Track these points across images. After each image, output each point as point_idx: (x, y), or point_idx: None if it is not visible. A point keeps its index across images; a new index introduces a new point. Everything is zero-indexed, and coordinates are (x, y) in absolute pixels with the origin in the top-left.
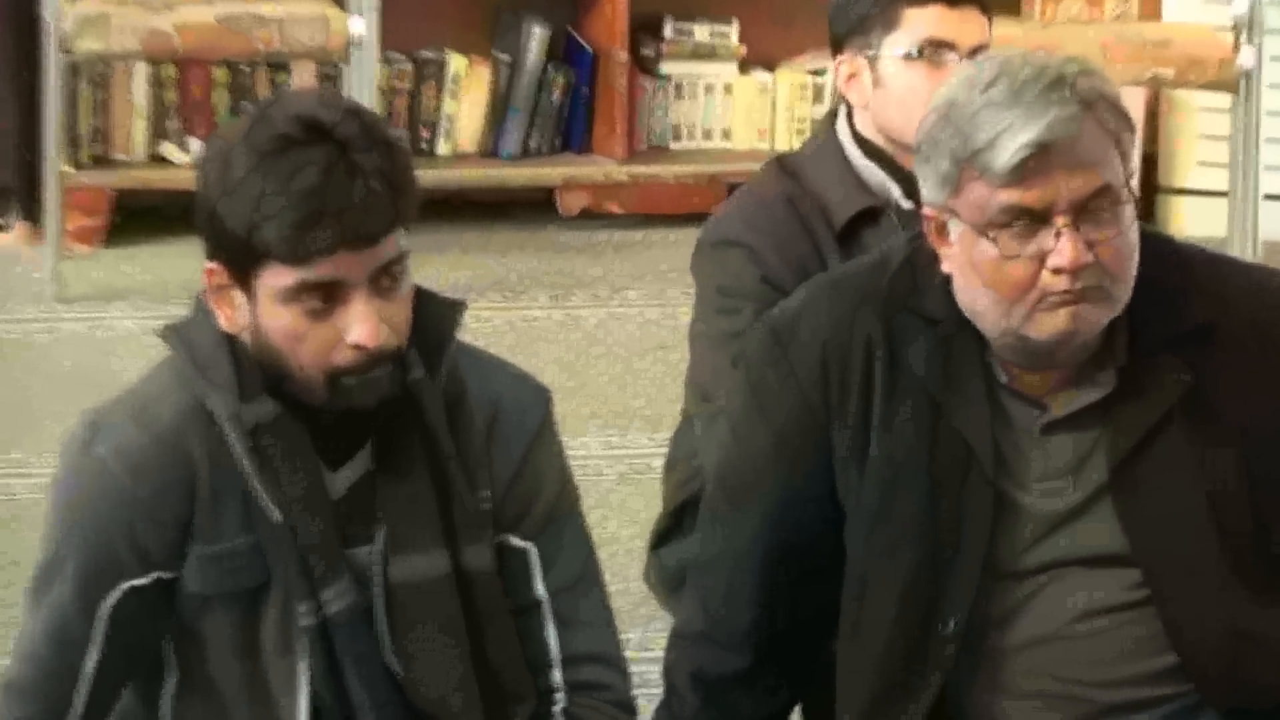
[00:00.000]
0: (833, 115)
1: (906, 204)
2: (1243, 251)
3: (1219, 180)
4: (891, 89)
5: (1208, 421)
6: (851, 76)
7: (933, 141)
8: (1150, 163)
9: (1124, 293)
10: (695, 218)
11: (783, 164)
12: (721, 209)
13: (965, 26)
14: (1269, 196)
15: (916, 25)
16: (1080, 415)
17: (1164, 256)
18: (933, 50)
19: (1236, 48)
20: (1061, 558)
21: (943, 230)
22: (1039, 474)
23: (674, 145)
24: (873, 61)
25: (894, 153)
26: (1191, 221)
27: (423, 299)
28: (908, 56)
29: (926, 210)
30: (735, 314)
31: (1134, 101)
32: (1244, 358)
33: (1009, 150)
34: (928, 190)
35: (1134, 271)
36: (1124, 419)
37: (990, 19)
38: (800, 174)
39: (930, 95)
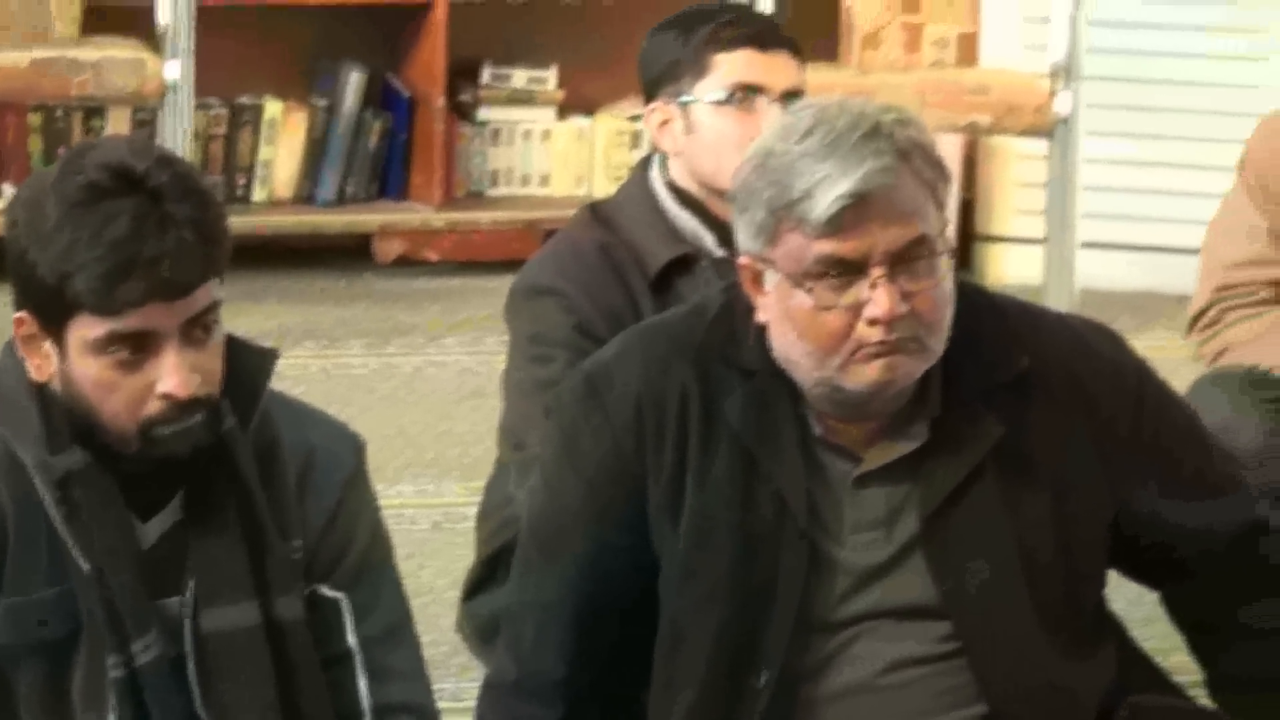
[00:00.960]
0: (645, 162)
1: (720, 252)
2: (1060, 299)
3: (1036, 228)
4: (703, 135)
5: (1021, 473)
6: (664, 123)
7: (749, 191)
8: (968, 210)
9: (939, 344)
10: (513, 264)
11: (596, 211)
12: (535, 257)
13: (776, 70)
14: (1086, 244)
15: (726, 70)
16: (893, 467)
17: (979, 307)
18: (743, 95)
19: (1053, 94)
20: (874, 610)
21: (759, 280)
22: (852, 526)
23: (492, 191)
24: (684, 108)
25: (707, 200)
26: (1009, 269)
27: (235, 348)
28: (718, 102)
29: (742, 259)
30: (548, 362)
31: (951, 148)
32: (1057, 408)
33: (825, 201)
34: (744, 239)
35: (949, 322)
36: (936, 471)
37: (802, 62)
38: (613, 222)
39: (742, 140)
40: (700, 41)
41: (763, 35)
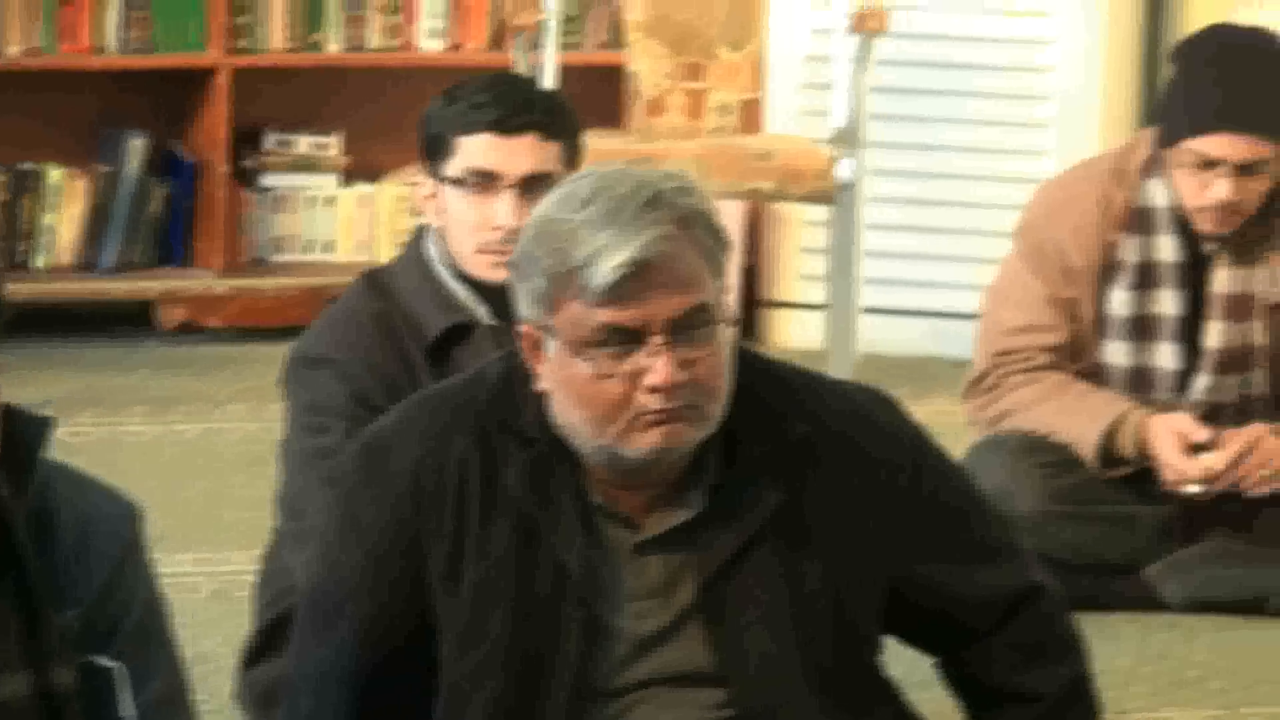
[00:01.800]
0: (421, 231)
1: (492, 321)
2: (841, 365)
3: (819, 293)
4: (450, 213)
5: (799, 540)
6: (429, 196)
7: (529, 259)
8: (751, 276)
9: (718, 411)
10: (296, 331)
11: (371, 280)
12: (311, 326)
13: (516, 155)
14: (867, 309)
15: (465, 153)
16: (672, 535)
17: (758, 374)
18: (478, 180)
19: (835, 161)
20: (652, 677)
21: (538, 348)
22: (631, 594)
23: (275, 258)
24: (439, 185)
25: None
26: (792, 334)
27: (10, 416)
28: (457, 184)
29: (522, 327)
30: (324, 432)
31: (734, 214)
32: (836, 475)
33: (605, 270)
34: (524, 307)
35: (728, 390)
36: (714, 539)
37: (566, 142)
38: (389, 290)
39: (477, 225)
40: (449, 121)
41: (506, 119)
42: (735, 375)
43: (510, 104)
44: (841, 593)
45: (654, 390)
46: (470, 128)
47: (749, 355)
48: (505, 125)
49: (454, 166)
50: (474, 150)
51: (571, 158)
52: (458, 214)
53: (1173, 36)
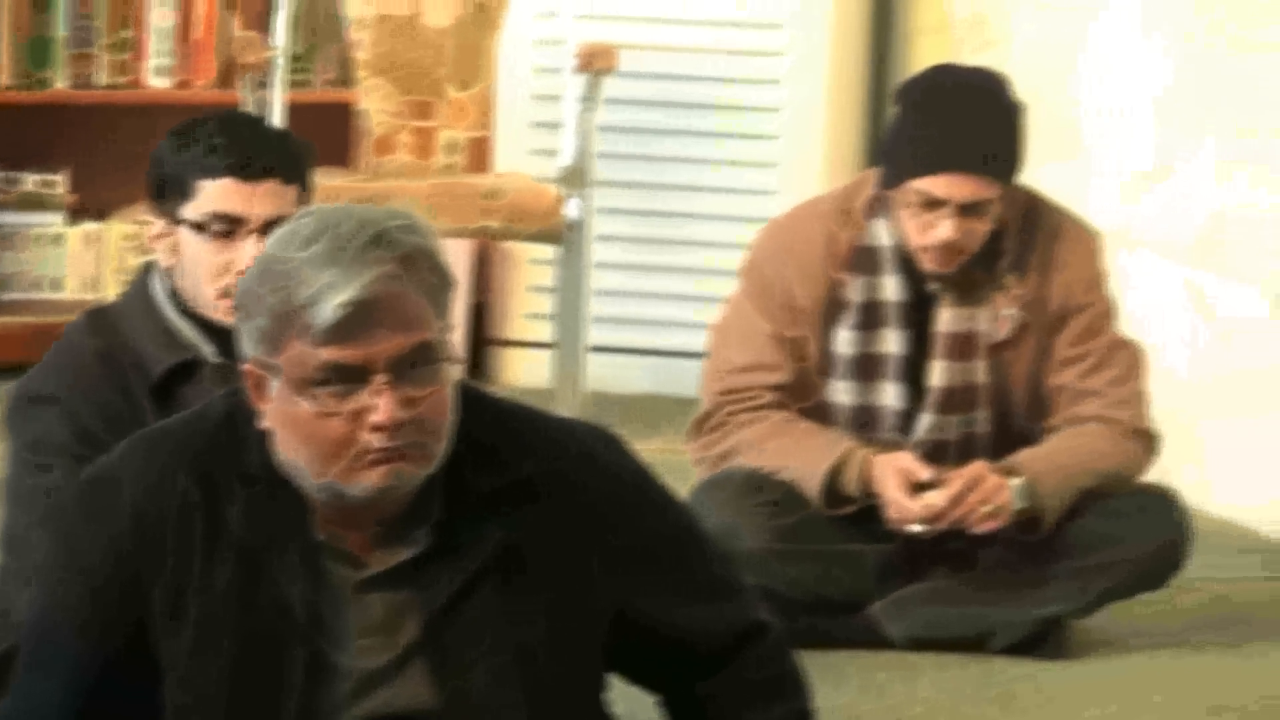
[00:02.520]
0: (147, 268)
1: (218, 359)
2: (569, 403)
3: (547, 332)
4: (185, 256)
5: (522, 578)
6: (159, 236)
7: (253, 297)
8: (479, 314)
9: (442, 449)
10: (25, 369)
11: (94, 317)
12: (35, 365)
13: (258, 200)
14: (595, 348)
15: (206, 198)
16: (396, 573)
17: (484, 411)
18: (221, 225)
19: (563, 199)
20: (376, 715)
21: (262, 386)
22: (355, 632)
23: (2, 296)
24: (173, 226)
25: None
26: (520, 373)
27: None
28: (197, 229)
29: (246, 366)
30: (47, 470)
31: (462, 253)
32: (559, 513)
33: (328, 309)
34: (248, 346)
35: (451, 428)
36: (437, 576)
37: (301, 185)
38: (114, 328)
39: (217, 270)
40: (186, 163)
41: (247, 164)
42: (460, 413)
43: (251, 148)
44: (565, 631)
45: (377, 429)
46: (210, 172)
47: (474, 393)
48: (248, 171)
49: (193, 210)
50: (215, 195)
51: (305, 199)
52: (197, 257)
53: (897, 78)
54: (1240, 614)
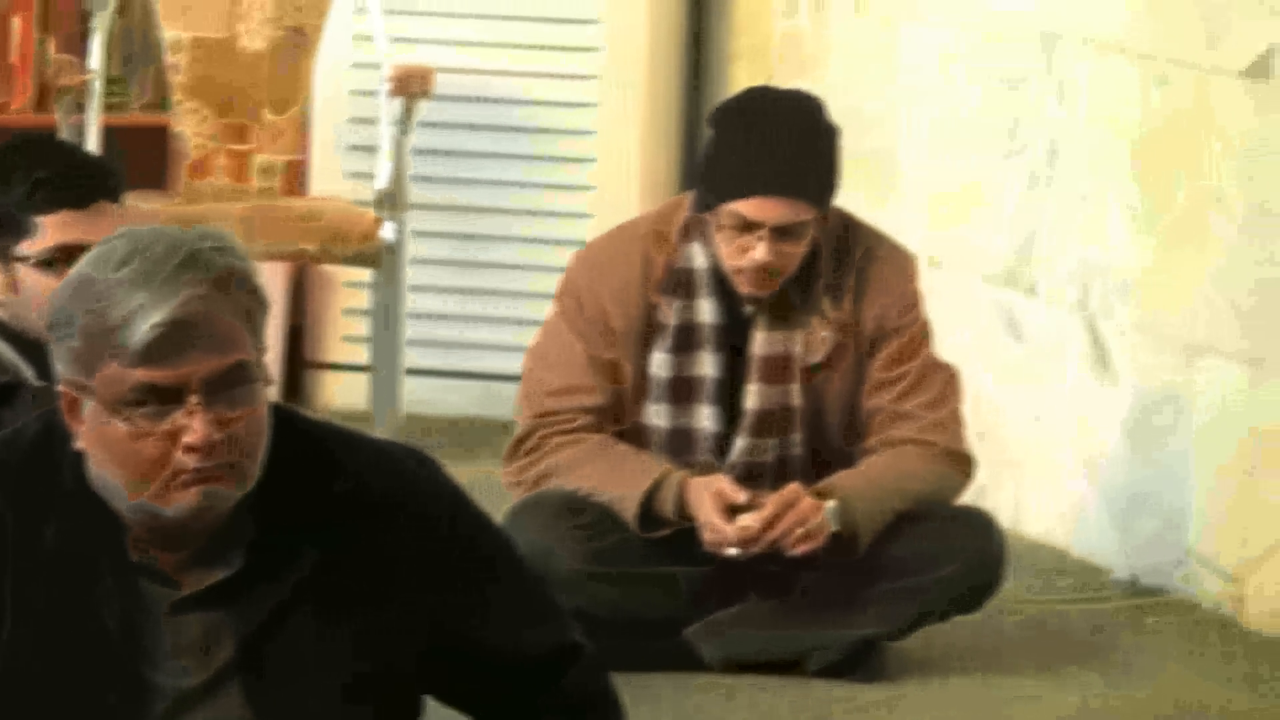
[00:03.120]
0: None
1: (39, 383)
2: (385, 426)
3: (364, 354)
4: (25, 289)
5: (337, 598)
6: None
7: (66, 319)
8: (296, 336)
9: (256, 470)
10: None
11: None
12: None
13: (95, 225)
14: (412, 371)
15: (47, 233)
16: (210, 593)
17: (299, 433)
18: (62, 256)
19: (379, 222)
20: None
21: (76, 407)
22: (170, 652)
23: None
24: (8, 263)
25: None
26: (337, 395)
27: None
28: (43, 264)
29: (60, 386)
30: None
31: (278, 275)
32: (374, 534)
33: (141, 330)
34: (62, 367)
35: (266, 449)
36: (252, 597)
37: (120, 202)
38: None
39: None
40: (19, 201)
41: (79, 192)
42: (274, 435)
43: (76, 174)
44: (380, 651)
45: (190, 450)
46: (48, 206)
47: (289, 415)
48: (81, 198)
49: (34, 246)
50: (56, 228)
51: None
52: (38, 288)
53: (713, 101)
54: (1054, 635)
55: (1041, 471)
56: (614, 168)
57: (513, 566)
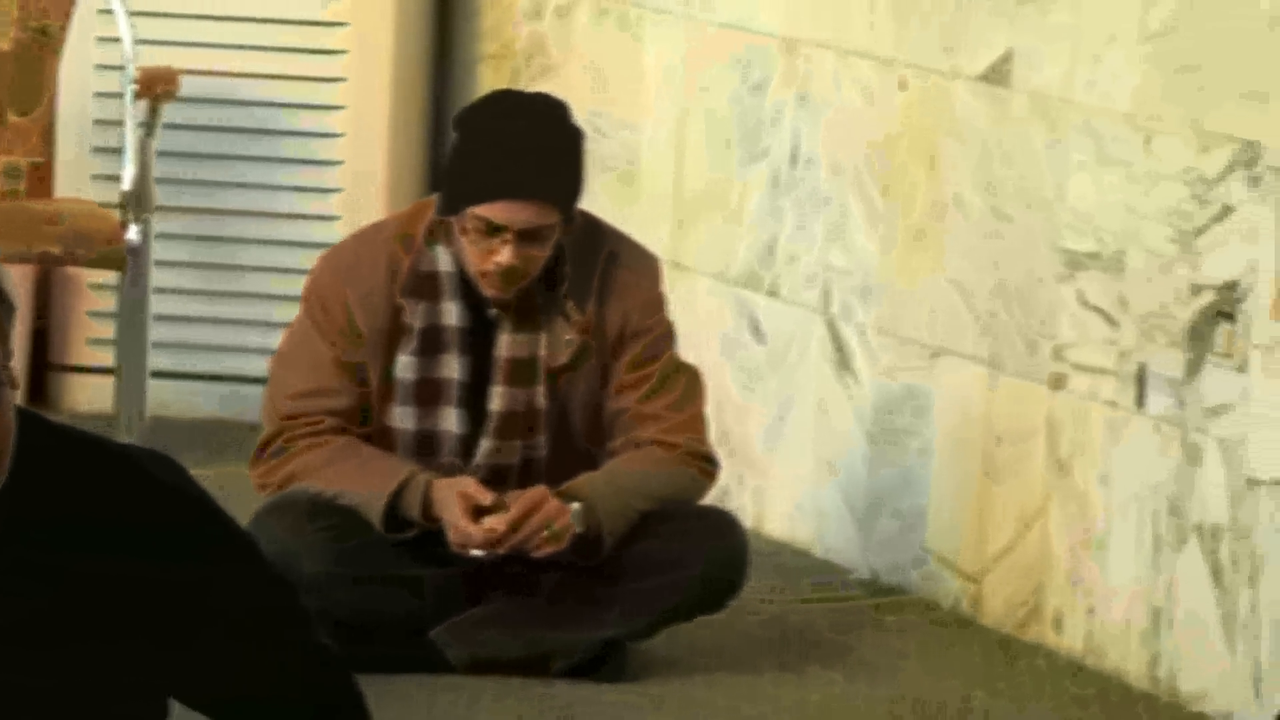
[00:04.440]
0: None
1: None
2: (131, 429)
3: (109, 357)
4: None
5: (80, 603)
6: None
7: None
8: (41, 339)
9: (2, 473)
10: None
11: None
12: None
13: None
14: (158, 374)
15: None
16: None
17: (41, 437)
18: None
19: (124, 225)
20: None
21: None
22: None
23: None
24: None
25: None
26: (82, 398)
27: None
28: None
29: None
30: None
31: (23, 278)
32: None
33: None
34: None
35: (10, 452)
36: None
37: None
38: None
39: None
40: None
41: None
42: (20, 438)
43: None
44: (129, 656)
45: None
46: None
47: (32, 418)
48: None
49: None
50: None
51: None
52: None
53: (459, 104)
54: (796, 634)
55: (784, 472)
56: (361, 170)
57: (257, 570)
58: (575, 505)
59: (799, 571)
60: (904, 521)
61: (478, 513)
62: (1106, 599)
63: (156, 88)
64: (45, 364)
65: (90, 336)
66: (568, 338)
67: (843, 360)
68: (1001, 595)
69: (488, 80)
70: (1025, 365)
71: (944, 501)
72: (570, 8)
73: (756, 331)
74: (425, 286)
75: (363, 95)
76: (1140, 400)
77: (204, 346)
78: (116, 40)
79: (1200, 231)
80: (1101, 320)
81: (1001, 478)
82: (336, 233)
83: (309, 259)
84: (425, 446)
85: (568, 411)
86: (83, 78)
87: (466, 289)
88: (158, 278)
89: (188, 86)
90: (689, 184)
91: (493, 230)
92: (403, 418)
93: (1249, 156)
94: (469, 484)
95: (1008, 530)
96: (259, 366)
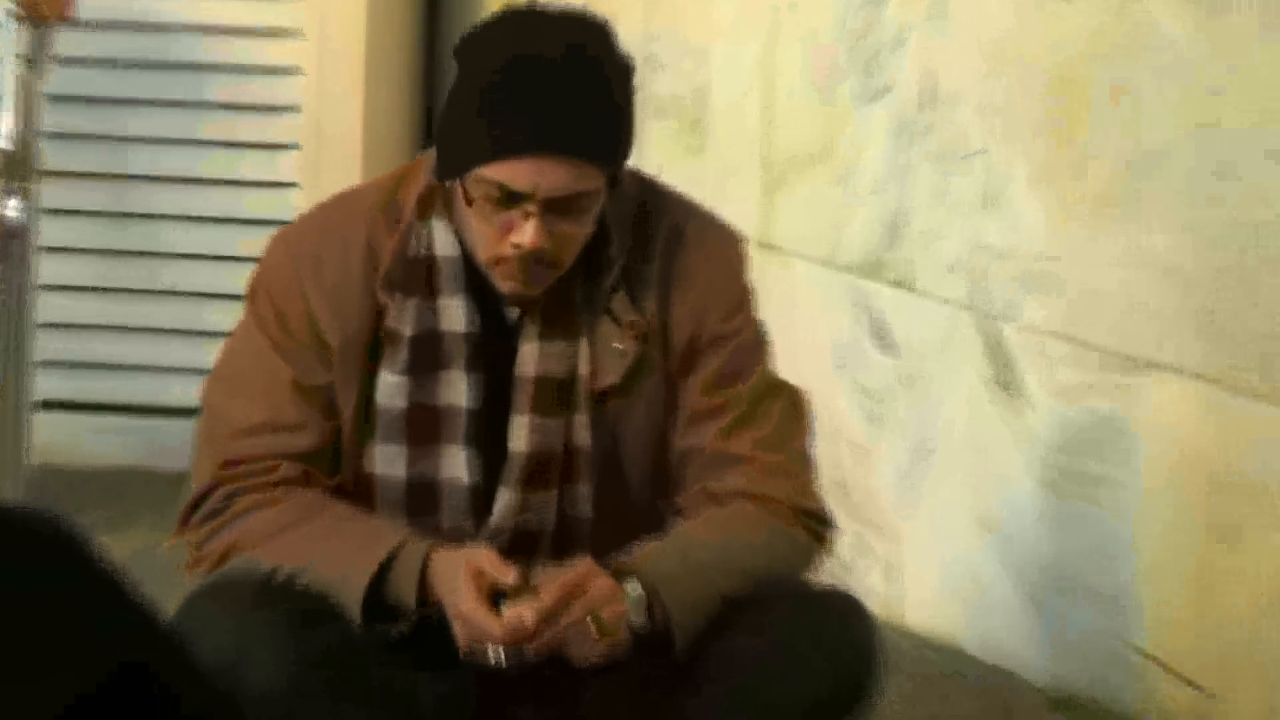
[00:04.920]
0: None
1: None
2: (8, 478)
3: None
4: None
5: None
6: None
7: None
8: None
9: None
10: None
11: None
12: None
13: None
14: (44, 403)
15: None
16: None
17: None
18: None
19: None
20: None
21: None
22: None
23: None
24: None
25: None
26: None
27: None
28: None
29: None
30: None
31: None
32: None
33: None
34: None
35: None
36: None
37: None
38: None
39: None
40: None
41: None
42: None
43: None
44: None
45: None
46: None
47: None
48: None
49: None
50: None
51: None
52: None
53: (461, 27)
54: None
55: (924, 536)
56: (328, 119)
57: (184, 681)
58: (633, 586)
59: (948, 679)
60: (1098, 605)
61: (496, 597)
62: None
63: (43, 8)
64: None
65: None
66: (618, 347)
67: (1004, 377)
68: (1244, 710)
69: None
70: (1265, 382)
71: (1155, 575)
72: None
73: (881, 338)
74: (417, 278)
75: (328, 17)
76: None
77: (106, 366)
78: None
79: None
80: None
81: (1236, 540)
82: (293, 206)
83: (255, 242)
84: (421, 502)
85: (620, 451)
86: None
87: (475, 281)
88: (44, 270)
89: (88, 6)
90: (780, 133)
91: (511, 199)
92: (389, 461)
93: None
94: (483, 556)
95: (1248, 615)
96: (186, 393)
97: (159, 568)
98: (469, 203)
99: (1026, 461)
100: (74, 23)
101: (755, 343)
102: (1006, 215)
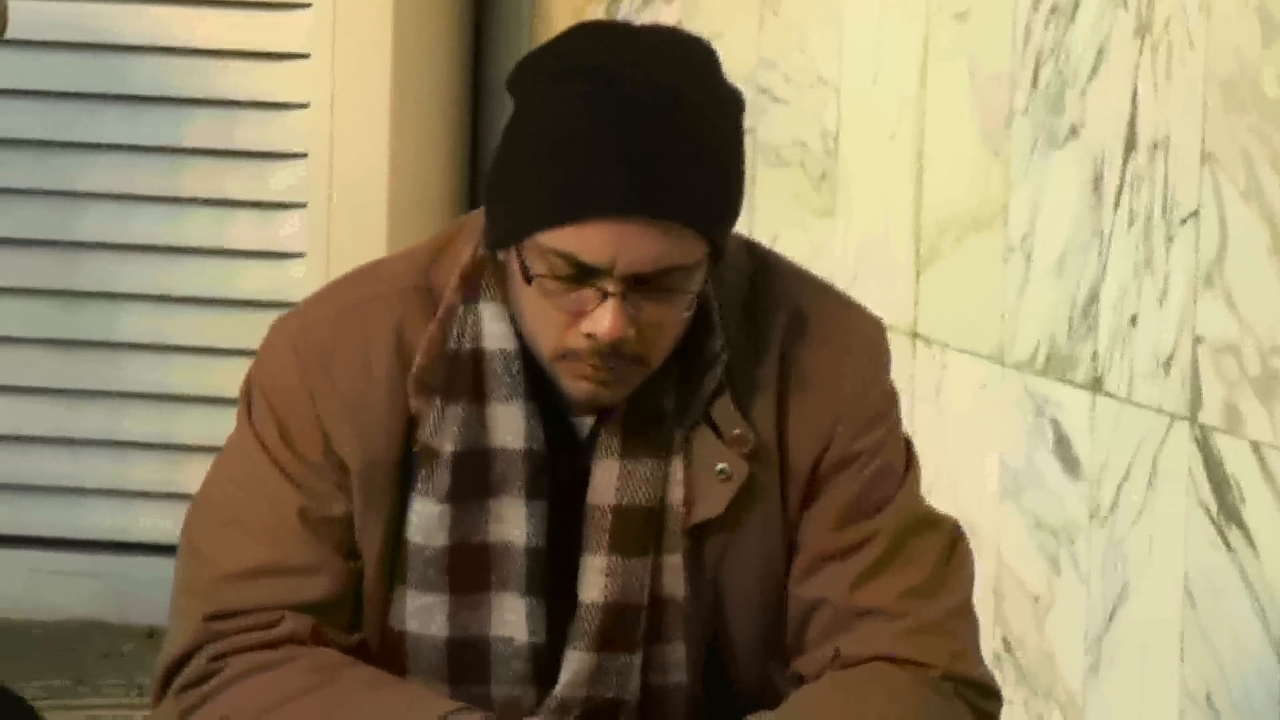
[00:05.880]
0: None
1: None
2: None
3: None
4: None
5: None
6: None
7: None
8: None
9: None
10: None
11: None
12: None
13: None
14: None
15: None
16: None
17: None
18: None
19: None
20: None
21: None
22: None
23: None
24: None
25: None
26: None
27: None
28: None
29: None
30: None
31: None
32: None
33: None
34: None
35: None
36: None
37: None
38: None
39: None
40: None
41: None
42: None
43: None
44: None
45: None
46: None
47: None
48: None
49: None
50: None
51: None
52: None
53: (516, 53)
54: None
55: (1124, 715)
56: (343, 168)
57: None
58: None
59: None
60: None
61: None
62: None
63: None
64: None
65: None
66: (721, 469)
67: (1229, 506)
68: None
69: (559, 12)
70: None
71: None
72: None
73: (1065, 454)
74: (461, 378)
75: (342, 34)
76: None
77: (58, 489)
78: None
79: None
80: None
81: None
82: (298, 282)
83: (250, 332)
84: (466, 666)
85: (722, 603)
86: None
87: (536, 382)
88: None
89: (20, 17)
90: (933, 188)
91: (584, 275)
92: (425, 614)
93: None
94: None
95: None
96: (159, 526)
97: None
98: (528, 280)
99: (1258, 616)
100: (2, 41)
101: (899, 464)
102: (1235, 296)
